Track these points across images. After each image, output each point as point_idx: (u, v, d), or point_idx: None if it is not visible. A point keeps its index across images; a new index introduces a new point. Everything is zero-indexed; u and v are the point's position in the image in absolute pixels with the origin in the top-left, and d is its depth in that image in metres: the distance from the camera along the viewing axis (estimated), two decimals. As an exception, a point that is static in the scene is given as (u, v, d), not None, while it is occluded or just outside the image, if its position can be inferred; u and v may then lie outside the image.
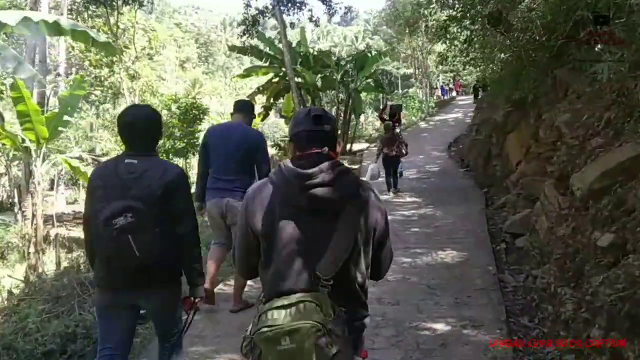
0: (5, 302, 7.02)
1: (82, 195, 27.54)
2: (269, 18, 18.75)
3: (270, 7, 17.69)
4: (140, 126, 2.68)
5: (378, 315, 4.48)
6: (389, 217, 2.04)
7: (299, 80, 18.02)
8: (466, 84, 48.60)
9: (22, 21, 7.97)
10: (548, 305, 4.27)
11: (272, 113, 24.01)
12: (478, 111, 17.70)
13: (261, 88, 19.74)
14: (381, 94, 26.11)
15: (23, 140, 10.58)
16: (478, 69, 12.95)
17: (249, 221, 1.88)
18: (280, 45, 17.43)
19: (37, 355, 4.29)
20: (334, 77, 18.94)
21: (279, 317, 1.65)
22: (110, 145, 26.46)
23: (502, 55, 9.59)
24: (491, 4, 8.82)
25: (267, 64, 19.06)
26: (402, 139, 11.14)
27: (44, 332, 4.64)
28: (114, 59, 21.33)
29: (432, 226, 7.89)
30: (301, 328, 1.60)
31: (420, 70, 35.87)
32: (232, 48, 21.45)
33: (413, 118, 28.81)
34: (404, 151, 10.90)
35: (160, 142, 16.38)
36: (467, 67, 14.23)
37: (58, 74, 21.70)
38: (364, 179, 2.38)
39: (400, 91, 38.43)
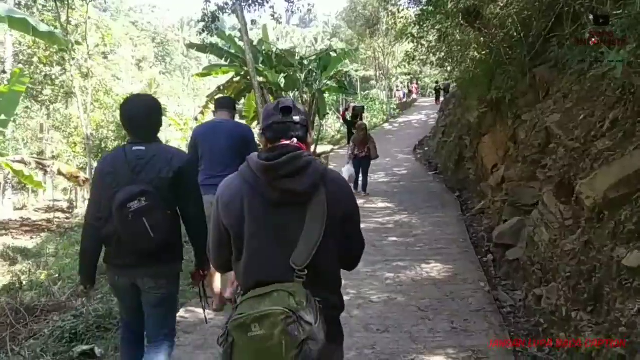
0: None
1: (31, 200, 26.18)
2: (229, 15, 17.88)
3: (230, 3, 16.89)
4: (141, 115, 2.81)
5: (367, 347, 3.90)
6: (363, 225, 2.06)
7: (261, 79, 17.28)
8: (424, 86, 48.99)
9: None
10: (559, 331, 3.77)
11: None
12: (443, 113, 17.39)
13: (222, 87, 18.90)
14: (342, 95, 25.66)
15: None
16: (447, 68, 12.51)
17: (220, 215, 1.91)
18: (242, 43, 16.67)
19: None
20: (298, 76, 18.29)
21: (253, 306, 1.66)
22: (62, 147, 25.22)
23: (476, 53, 9.18)
24: (467, -1, 8.39)
25: (227, 62, 18.27)
26: (373, 141, 10.66)
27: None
28: (65, 55, 20.14)
29: (410, 235, 7.37)
30: (270, 314, 1.60)
31: (382, 72, 35.57)
32: (191, 45, 20.50)
33: (375, 120, 28.51)
34: (374, 153, 10.45)
35: (116, 143, 15.68)
36: (434, 67, 13.75)
37: (3, 71, 20.32)
38: None
39: (360, 93, 38.12)
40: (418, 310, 4.65)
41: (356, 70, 44.78)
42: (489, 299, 4.85)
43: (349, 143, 12.61)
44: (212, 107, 20.10)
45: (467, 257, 6.21)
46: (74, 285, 6.92)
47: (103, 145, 23.52)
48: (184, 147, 26.23)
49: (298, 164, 1.81)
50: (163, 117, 3.03)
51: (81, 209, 23.49)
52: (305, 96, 19.35)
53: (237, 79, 18.47)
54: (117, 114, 20.52)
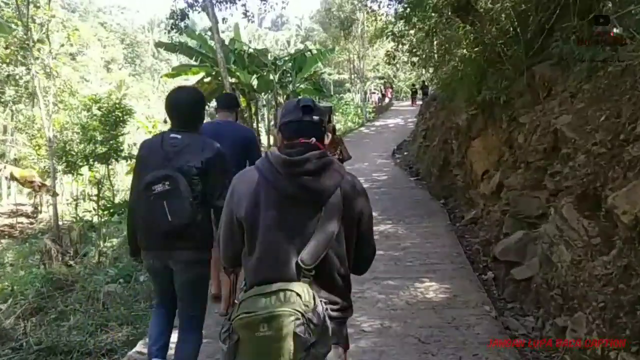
0: None
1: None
2: (199, 12, 17.03)
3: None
4: (183, 106, 2.94)
5: (364, 396, 3.18)
6: None
7: (233, 80, 16.50)
8: (399, 89, 48.76)
9: None
10: (595, 375, 3.12)
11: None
12: (423, 116, 16.84)
13: (191, 89, 18.05)
14: (317, 98, 24.97)
15: None
16: (429, 70, 11.96)
17: (233, 208, 1.88)
18: (212, 43, 15.84)
19: None
20: (271, 77, 17.55)
21: (259, 304, 1.64)
22: (27, 150, 24.05)
23: (465, 51, 8.59)
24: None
25: (197, 62, 17.42)
26: (342, 142, 9.96)
27: None
28: (27, 54, 19.04)
29: (398, 248, 6.68)
30: (280, 315, 1.59)
31: (357, 74, 35.05)
32: (159, 44, 19.56)
33: (350, 124, 27.96)
34: (346, 155, 9.72)
35: (81, 146, 14.57)
36: (416, 67, 13.19)
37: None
38: None
39: (335, 96, 37.59)
40: (418, 342, 3.96)
41: (329, 74, 44.27)
42: (498, 326, 4.19)
43: None
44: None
45: (464, 274, 5.55)
46: (25, 303, 6.20)
47: (67, 148, 22.40)
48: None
49: (319, 163, 1.80)
50: (202, 111, 3.12)
51: (46, 213, 22.43)
52: (279, 98, 18.62)
53: (208, 79, 17.64)
54: (83, 115, 19.66)
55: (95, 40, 50.20)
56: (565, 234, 4.00)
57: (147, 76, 59.28)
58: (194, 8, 16.53)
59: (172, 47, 18.02)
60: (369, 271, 5.73)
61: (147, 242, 2.89)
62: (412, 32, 11.24)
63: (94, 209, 19.54)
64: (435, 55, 10.06)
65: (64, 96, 24.05)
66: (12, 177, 14.68)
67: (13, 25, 17.75)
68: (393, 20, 13.08)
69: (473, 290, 5.03)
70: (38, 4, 20.46)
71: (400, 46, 12.44)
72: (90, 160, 18.08)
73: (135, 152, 20.35)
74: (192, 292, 2.93)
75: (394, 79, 46.71)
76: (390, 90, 42.31)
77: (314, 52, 18.05)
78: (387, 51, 13.18)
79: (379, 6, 14.58)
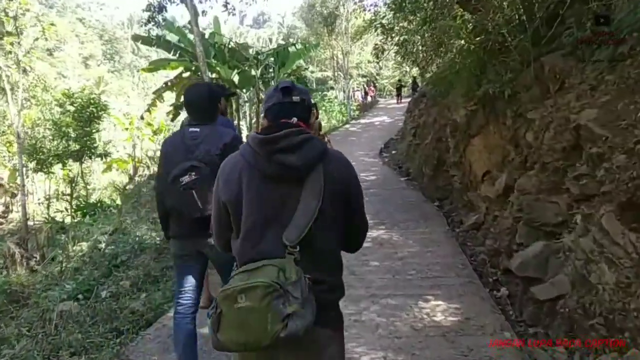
0: None
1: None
2: (177, 5, 16.16)
3: (179, -10, 15.21)
4: (197, 101, 3.18)
5: None
6: None
7: (213, 75, 15.71)
8: (382, 87, 48.27)
9: None
10: None
11: (183, 112, 21.49)
12: (411, 113, 16.19)
13: (169, 84, 17.18)
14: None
15: None
16: (422, 62, 11.28)
17: (219, 193, 1.91)
18: (191, 36, 15.01)
19: None
20: (253, 73, 16.75)
21: (242, 279, 1.65)
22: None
23: (463, 41, 7.92)
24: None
25: (176, 56, 16.56)
26: (330, 141, 9.27)
27: None
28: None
29: (395, 257, 6.01)
30: (257, 286, 1.59)
31: (341, 72, 34.38)
32: (136, 37, 18.53)
33: (334, 122, 27.33)
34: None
35: (54, 143, 13.86)
36: (406, 61, 12.55)
37: None
38: None
39: (318, 94, 36.92)
40: (432, 382, 3.29)
41: (312, 72, 43.58)
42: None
43: None
44: (159, 104, 18.43)
45: (473, 290, 4.89)
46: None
47: (39, 145, 21.38)
48: (129, 147, 24.26)
49: (296, 139, 1.78)
50: (217, 103, 3.33)
51: (17, 213, 21.47)
52: (261, 94, 17.83)
53: (187, 74, 16.83)
54: (55, 111, 18.73)
55: (73, 36, 49.37)
56: (607, 250, 3.34)
57: (127, 73, 58.78)
58: (172, 0, 15.71)
59: (149, 41, 17.08)
60: (365, 286, 5.08)
61: (180, 230, 3.11)
62: (404, 23, 10.57)
63: (66, 209, 18.64)
64: (425, 48, 9.38)
65: (36, 91, 23.15)
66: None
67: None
68: (382, 11, 12.38)
69: (487, 311, 4.37)
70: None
71: (389, 39, 11.79)
72: (63, 158, 17.28)
73: (111, 149, 19.40)
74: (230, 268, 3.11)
75: (377, 77, 46.20)
76: (373, 88, 41.69)
77: (298, 46, 17.27)
78: (376, 44, 12.51)
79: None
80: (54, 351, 4.15)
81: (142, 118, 19.49)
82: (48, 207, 19.94)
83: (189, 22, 15.61)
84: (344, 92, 34.74)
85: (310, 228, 1.72)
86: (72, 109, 17.14)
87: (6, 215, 22.54)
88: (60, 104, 17.95)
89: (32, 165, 18.57)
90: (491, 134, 7.39)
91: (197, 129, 3.04)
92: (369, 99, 38.83)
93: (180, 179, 2.87)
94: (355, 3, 20.06)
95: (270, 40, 62.60)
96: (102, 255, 6.02)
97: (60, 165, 18.00)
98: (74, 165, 18.58)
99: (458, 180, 8.65)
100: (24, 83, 20.95)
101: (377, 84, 45.08)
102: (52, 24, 28.15)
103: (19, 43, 19.56)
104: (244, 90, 19.37)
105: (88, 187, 21.68)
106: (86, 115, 16.93)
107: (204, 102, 3.17)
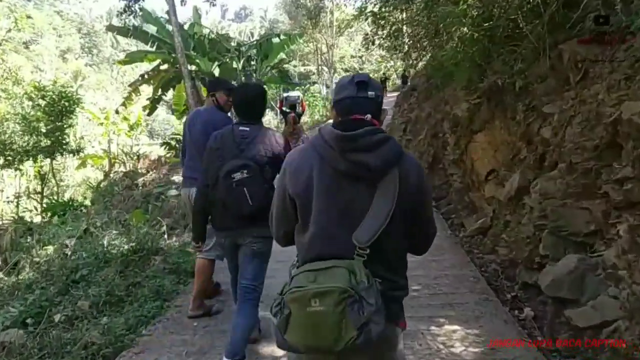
0: None
1: None
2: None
3: (155, -23, 14.33)
4: (246, 101, 3.35)
5: None
6: None
7: (193, 67, 14.88)
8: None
9: None
10: None
11: (161, 107, 20.62)
12: (400, 108, 15.54)
13: (147, 76, 16.29)
14: (280, 87, 23.44)
15: None
16: (414, 54, 10.62)
17: (287, 184, 1.86)
18: (170, 27, 14.15)
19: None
20: (235, 65, 15.94)
21: (310, 279, 1.61)
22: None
23: (466, 29, 7.24)
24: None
25: (154, 48, 15.70)
26: (305, 134, 8.58)
27: None
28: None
29: (396, 270, 5.31)
30: (332, 291, 1.54)
31: (326, 65, 33.66)
32: (111, 28, 17.59)
33: (318, 117, 26.71)
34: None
35: (25, 138, 13.03)
36: (398, 52, 11.88)
37: None
38: None
39: (301, 88, 36.18)
40: None
41: (294, 66, 42.84)
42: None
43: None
44: (135, 97, 17.51)
45: (491, 310, 4.21)
46: None
47: (9, 141, 20.27)
48: (104, 143, 23.21)
49: (374, 139, 1.73)
50: (265, 103, 3.54)
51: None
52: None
53: (165, 66, 15.98)
54: (26, 105, 17.71)
55: (50, 28, 48.25)
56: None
57: (106, 67, 57.79)
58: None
59: (124, 32, 16.18)
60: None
61: (224, 223, 3.24)
62: (396, 12, 9.88)
63: (35, 208, 17.65)
64: (419, 38, 8.70)
65: (7, 84, 22.08)
66: None
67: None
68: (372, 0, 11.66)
69: (513, 338, 3.68)
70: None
71: (380, 30, 11.10)
72: (34, 154, 16.42)
73: (84, 144, 18.38)
74: (259, 261, 3.28)
75: (359, 72, 45.59)
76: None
77: (282, 37, 16.49)
78: (366, 34, 11.82)
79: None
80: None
81: (117, 112, 18.53)
82: (17, 205, 18.90)
83: (167, 12, 14.76)
84: (327, 86, 34.06)
85: (382, 231, 1.66)
86: (43, 102, 16.26)
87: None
88: (30, 98, 17.04)
89: (1, 161, 17.60)
90: (497, 130, 6.75)
91: (247, 128, 3.21)
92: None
93: (233, 175, 3.02)
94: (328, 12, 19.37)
95: (252, 34, 61.73)
96: (60, 267, 5.22)
97: (31, 161, 17.10)
98: (45, 162, 17.66)
99: (458, 180, 8.00)
100: (-8, 75, 19.94)
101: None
102: (28, 17, 27.09)
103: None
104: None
105: (61, 184, 20.69)
106: (58, 109, 16.07)
107: (254, 100, 3.35)
